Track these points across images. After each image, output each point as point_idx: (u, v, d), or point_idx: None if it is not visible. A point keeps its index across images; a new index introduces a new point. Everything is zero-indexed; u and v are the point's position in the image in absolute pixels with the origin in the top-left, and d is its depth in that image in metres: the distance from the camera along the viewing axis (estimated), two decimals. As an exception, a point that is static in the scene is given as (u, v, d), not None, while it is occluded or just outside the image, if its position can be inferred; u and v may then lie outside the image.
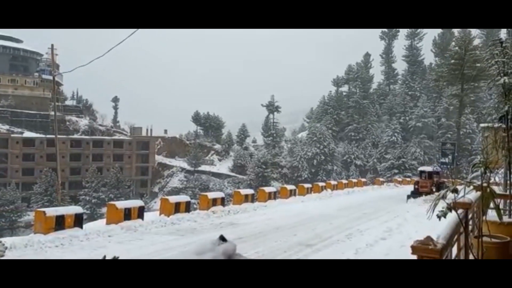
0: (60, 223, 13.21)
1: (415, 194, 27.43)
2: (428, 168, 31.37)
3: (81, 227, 13.90)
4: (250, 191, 24.81)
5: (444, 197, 3.58)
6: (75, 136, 79.79)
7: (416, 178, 34.22)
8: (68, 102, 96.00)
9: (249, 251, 11.52)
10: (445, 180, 30.72)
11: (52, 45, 28.34)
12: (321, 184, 34.34)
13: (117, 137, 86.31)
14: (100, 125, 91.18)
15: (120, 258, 1.72)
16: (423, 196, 25.96)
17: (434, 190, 27.09)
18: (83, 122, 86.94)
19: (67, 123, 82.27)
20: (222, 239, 1.81)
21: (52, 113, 27.37)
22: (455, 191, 3.90)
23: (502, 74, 7.13)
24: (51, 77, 34.83)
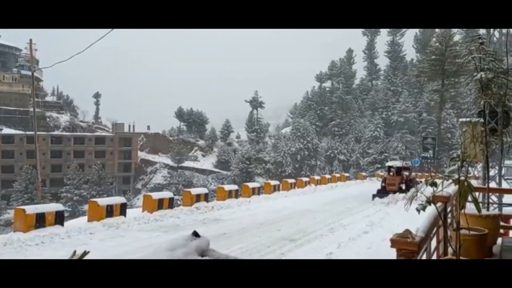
0: (40, 221, 13.02)
1: (382, 192, 24.36)
2: (396, 163, 27.83)
3: (62, 225, 13.74)
4: (234, 187, 24.82)
5: (414, 198, 3.62)
6: (56, 132, 78.38)
7: (384, 174, 31.04)
8: (49, 98, 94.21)
9: (232, 247, 11.53)
10: (416, 176, 29.00)
11: (31, 40, 27.66)
12: (304, 179, 34.54)
13: (99, 133, 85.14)
14: (81, 121, 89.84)
15: (105, 255, 1.69)
16: (391, 194, 23.31)
17: (403, 187, 24.71)
18: (64, 118, 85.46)
19: (48, 119, 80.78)
20: (195, 235, 1.81)
21: (32, 109, 26.82)
22: (434, 184, 3.96)
23: (479, 70, 7.26)
24: (30, 73, 34.11)
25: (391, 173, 26.06)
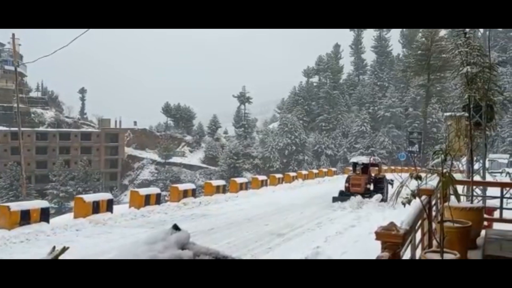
0: (25, 218, 12.84)
1: (345, 194, 19.90)
2: (363, 159, 22.99)
3: (48, 222, 13.56)
4: (221, 182, 24.79)
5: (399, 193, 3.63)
6: (41, 128, 77.29)
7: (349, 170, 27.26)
8: (33, 94, 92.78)
9: (220, 242, 11.52)
10: (386, 173, 24.01)
11: (13, 34, 27.13)
12: (292, 174, 34.65)
13: (84, 129, 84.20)
14: (66, 117, 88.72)
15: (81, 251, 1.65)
16: (356, 197, 19.15)
17: (370, 188, 20.37)
18: (49, 114, 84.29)
19: (32, 115, 79.58)
20: (176, 228, 1.79)
21: (16, 105, 26.36)
22: (419, 178, 4.00)
23: (465, 64, 7.34)
24: (14, 68, 33.46)
25: (357, 171, 21.71)
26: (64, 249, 1.57)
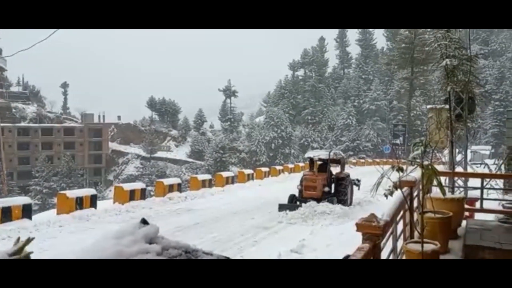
0: (6, 215, 12.66)
1: (296, 200, 15.65)
2: (320, 154, 17.25)
3: (30, 218, 13.40)
4: (207, 176, 24.73)
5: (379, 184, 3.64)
6: (22, 124, 75.88)
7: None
8: (14, 89, 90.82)
9: (206, 236, 11.53)
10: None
11: (-7, 28, 26.51)
12: (278, 167, 34.71)
13: (67, 124, 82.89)
14: (49, 112, 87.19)
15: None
16: (311, 203, 14.64)
17: (330, 191, 15.96)
18: (31, 109, 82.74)
19: (13, 110, 77.98)
20: (144, 222, 1.77)
21: (-4, 100, 25.93)
22: (400, 170, 4.03)
23: (444, 57, 7.42)
24: (-7, 62, 32.76)
25: (314, 169, 16.75)
26: (29, 240, 1.53)
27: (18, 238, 1.51)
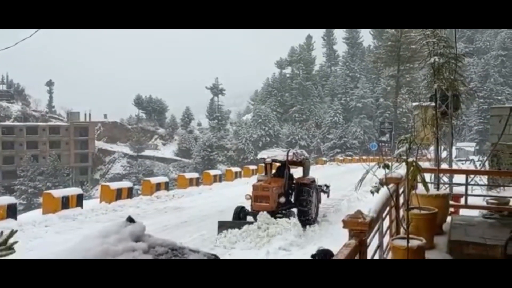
0: (-10, 215, 12.47)
1: (244, 215, 12.05)
2: (277, 154, 13.12)
3: (15, 218, 13.24)
4: (195, 175, 24.67)
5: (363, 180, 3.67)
6: (7, 123, 74.81)
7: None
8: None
9: (194, 234, 11.48)
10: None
11: (-25, 25, 26.04)
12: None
13: (53, 123, 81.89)
14: (34, 110, 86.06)
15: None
16: (263, 216, 10.80)
17: (289, 201, 12.37)
18: (15, 107, 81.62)
19: (-3, 109, 76.99)
20: (130, 220, 1.77)
21: (-22, 98, 25.45)
22: (386, 166, 4.06)
23: (432, 54, 7.51)
24: (-25, 60, 32.17)
25: (269, 174, 13.17)
26: (13, 233, 1.52)
27: (1, 232, 1.50)
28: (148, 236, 1.68)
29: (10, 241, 1.53)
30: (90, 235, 1.60)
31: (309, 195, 12.39)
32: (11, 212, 13.21)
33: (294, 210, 12.13)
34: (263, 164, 14.34)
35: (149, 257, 1.58)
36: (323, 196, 14.22)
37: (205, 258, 1.69)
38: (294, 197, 12.71)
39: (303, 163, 13.54)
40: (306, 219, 11.92)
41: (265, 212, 11.05)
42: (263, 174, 14.37)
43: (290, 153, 12.78)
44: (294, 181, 13.03)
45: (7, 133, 71.51)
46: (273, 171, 13.36)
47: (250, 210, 12.03)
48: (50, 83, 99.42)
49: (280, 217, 11.21)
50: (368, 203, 5.34)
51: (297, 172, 13.94)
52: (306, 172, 13.53)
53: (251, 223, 10.95)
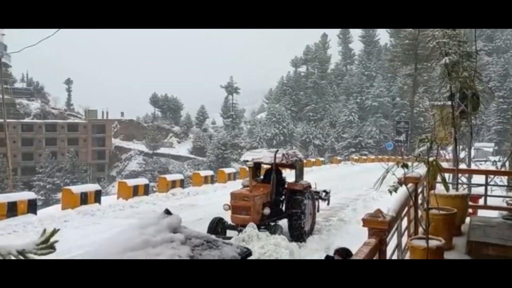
0: (12, 209, 12.75)
1: (222, 229, 10.12)
2: (263, 155, 10.88)
3: (35, 213, 13.50)
4: (209, 173, 24.77)
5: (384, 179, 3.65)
6: (26, 120, 76.22)
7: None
8: (18, 85, 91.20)
9: (209, 232, 11.56)
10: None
11: (-4, 24, 26.51)
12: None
13: (71, 120, 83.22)
14: (53, 108, 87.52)
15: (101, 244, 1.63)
16: (246, 230, 8.78)
17: (277, 213, 10.48)
18: (35, 105, 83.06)
19: (17, 106, 78.34)
20: (167, 212, 1.82)
21: (0, 96, 26.00)
22: (405, 166, 4.05)
23: (444, 54, 7.40)
24: (-4, 58, 32.85)
25: (255, 179, 10.93)
26: (55, 231, 1.57)
27: (44, 230, 1.55)
28: (184, 228, 1.73)
29: (52, 239, 1.58)
30: (130, 226, 1.66)
31: (301, 205, 10.21)
32: (32, 207, 13.49)
33: (279, 225, 10.03)
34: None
35: (186, 247, 1.63)
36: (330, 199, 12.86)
37: (238, 250, 1.73)
38: (285, 206, 10.72)
39: (295, 166, 11.17)
40: (298, 234, 10.01)
41: (250, 227, 8.90)
42: (247, 179, 11.08)
43: (279, 154, 10.63)
44: (285, 187, 11.01)
45: (26, 130, 72.91)
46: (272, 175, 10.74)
47: (230, 222, 10.02)
48: (68, 81, 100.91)
49: (264, 229, 9.36)
50: (384, 203, 5.34)
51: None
52: (299, 176, 11.20)
53: (229, 238, 8.47)
